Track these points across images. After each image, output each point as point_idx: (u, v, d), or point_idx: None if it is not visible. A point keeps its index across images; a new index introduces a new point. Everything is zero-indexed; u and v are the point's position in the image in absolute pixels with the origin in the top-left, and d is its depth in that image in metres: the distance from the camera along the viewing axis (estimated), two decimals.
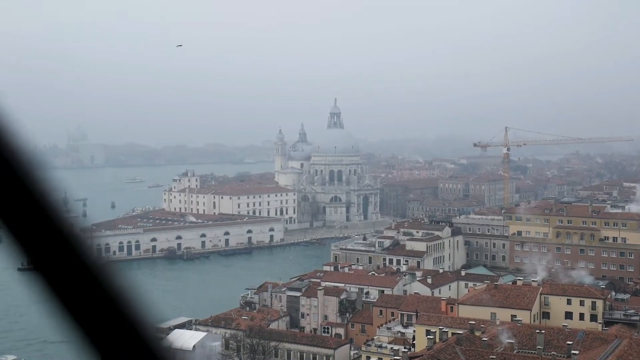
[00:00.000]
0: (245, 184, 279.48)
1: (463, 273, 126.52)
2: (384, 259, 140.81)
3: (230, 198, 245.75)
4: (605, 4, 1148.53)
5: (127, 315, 2.23)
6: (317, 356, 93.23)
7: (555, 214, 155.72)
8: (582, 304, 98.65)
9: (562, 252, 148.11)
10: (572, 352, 70.79)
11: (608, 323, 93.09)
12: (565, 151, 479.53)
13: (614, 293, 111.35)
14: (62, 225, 2.32)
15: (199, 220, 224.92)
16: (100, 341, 2.20)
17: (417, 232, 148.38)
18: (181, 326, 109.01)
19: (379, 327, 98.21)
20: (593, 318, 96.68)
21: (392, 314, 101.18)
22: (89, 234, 2.39)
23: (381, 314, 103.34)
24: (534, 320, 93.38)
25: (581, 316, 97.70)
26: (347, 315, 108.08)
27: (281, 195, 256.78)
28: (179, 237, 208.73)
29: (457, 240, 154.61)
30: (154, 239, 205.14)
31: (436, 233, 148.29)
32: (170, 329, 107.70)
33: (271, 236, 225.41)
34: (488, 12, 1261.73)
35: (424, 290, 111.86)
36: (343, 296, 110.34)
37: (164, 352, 2.36)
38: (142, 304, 2.30)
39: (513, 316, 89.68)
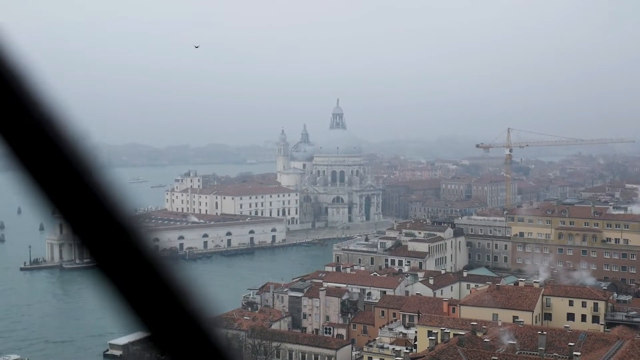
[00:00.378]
0: (247, 185, 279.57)
1: (465, 274, 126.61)
2: (386, 260, 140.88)
3: (233, 198, 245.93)
4: (608, 5, 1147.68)
5: (187, 308, 2.28)
6: (319, 357, 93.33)
7: (558, 215, 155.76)
8: (584, 305, 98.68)
9: (564, 254, 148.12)
10: (574, 353, 70.86)
11: (610, 324, 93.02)
12: (568, 152, 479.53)
13: (616, 294, 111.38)
14: (122, 221, 2.31)
15: (201, 221, 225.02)
16: (161, 332, 2.23)
17: (419, 233, 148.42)
18: None
19: (380, 327, 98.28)
20: (595, 319, 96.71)
21: (394, 314, 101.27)
22: (148, 229, 2.41)
23: (383, 314, 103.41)
24: (536, 322, 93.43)
25: (583, 317, 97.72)
26: (349, 315, 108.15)
27: (283, 195, 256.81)
28: (181, 237, 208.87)
29: (459, 241, 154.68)
30: (155, 239, 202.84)
31: (438, 234, 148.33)
32: None
33: (273, 237, 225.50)
34: (491, 14, 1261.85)
35: (426, 291, 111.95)
36: (345, 297, 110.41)
37: (224, 344, 2.39)
38: (200, 296, 2.34)
39: (515, 317, 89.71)
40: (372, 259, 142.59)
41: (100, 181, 2.30)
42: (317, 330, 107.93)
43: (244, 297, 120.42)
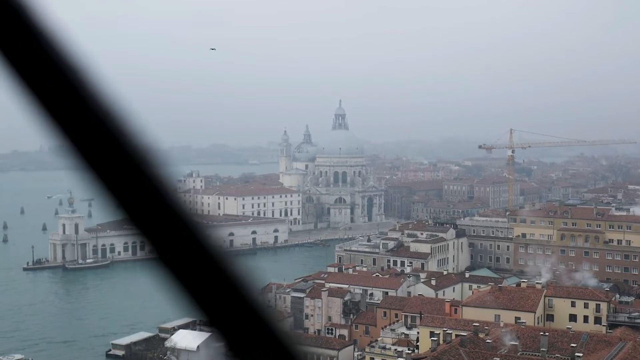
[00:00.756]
0: (249, 185, 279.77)
1: (467, 275, 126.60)
2: (388, 261, 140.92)
3: (235, 199, 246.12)
4: (611, 6, 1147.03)
5: (249, 301, 2.34)
6: (321, 357, 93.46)
7: (560, 216, 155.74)
8: (586, 306, 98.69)
9: (567, 255, 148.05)
10: (576, 354, 70.88)
11: (612, 326, 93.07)
12: (570, 153, 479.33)
13: (618, 295, 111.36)
14: (185, 217, 2.40)
15: (204, 221, 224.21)
16: (223, 324, 2.32)
17: (422, 233, 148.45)
18: (185, 326, 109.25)
19: (382, 328, 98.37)
20: (597, 320, 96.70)
21: (396, 315, 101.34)
22: (210, 225, 2.49)
23: (385, 315, 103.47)
24: (538, 323, 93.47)
25: (585, 319, 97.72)
26: (351, 316, 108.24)
27: (286, 196, 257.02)
28: None
29: (462, 242, 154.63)
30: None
31: (440, 235, 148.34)
32: (175, 329, 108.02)
33: (275, 237, 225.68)
34: (494, 15, 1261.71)
35: (428, 292, 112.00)
36: (347, 297, 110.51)
37: (290, 338, 2.42)
38: (259, 290, 2.40)
39: (517, 318, 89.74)
40: (374, 260, 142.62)
41: (160, 177, 2.34)
42: (319, 330, 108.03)
43: None
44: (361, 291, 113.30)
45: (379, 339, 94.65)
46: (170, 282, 2.30)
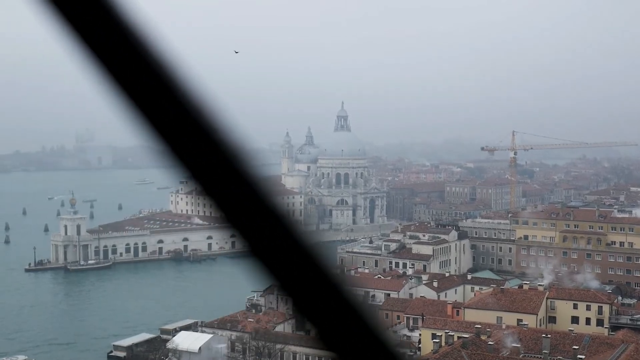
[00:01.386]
0: None
1: (469, 277, 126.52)
2: (390, 262, 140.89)
3: None
4: (611, 7, 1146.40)
5: (344, 294, 2.37)
6: (323, 359, 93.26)
7: (562, 218, 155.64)
8: (588, 308, 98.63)
9: (569, 257, 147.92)
10: (578, 356, 70.84)
11: (614, 328, 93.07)
12: (572, 155, 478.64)
13: (621, 298, 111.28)
14: (278, 213, 2.44)
15: (206, 223, 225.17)
16: (315, 311, 2.37)
17: (424, 235, 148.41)
18: (187, 328, 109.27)
19: None
20: (599, 323, 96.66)
21: (398, 317, 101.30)
22: (297, 220, 2.52)
23: (387, 317, 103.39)
24: (540, 325, 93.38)
25: (587, 321, 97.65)
26: None
27: (288, 197, 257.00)
28: (185, 239, 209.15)
29: (464, 244, 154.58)
30: (160, 241, 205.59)
31: (442, 236, 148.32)
32: (176, 331, 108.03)
33: None
34: (496, 16, 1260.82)
35: (430, 294, 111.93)
36: None
37: (390, 338, 2.41)
38: (348, 281, 2.41)
39: (519, 320, 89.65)
40: (376, 262, 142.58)
41: (255, 176, 2.38)
42: None
43: (248, 299, 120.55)
44: (363, 293, 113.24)
45: None
46: (266, 275, 2.39)
